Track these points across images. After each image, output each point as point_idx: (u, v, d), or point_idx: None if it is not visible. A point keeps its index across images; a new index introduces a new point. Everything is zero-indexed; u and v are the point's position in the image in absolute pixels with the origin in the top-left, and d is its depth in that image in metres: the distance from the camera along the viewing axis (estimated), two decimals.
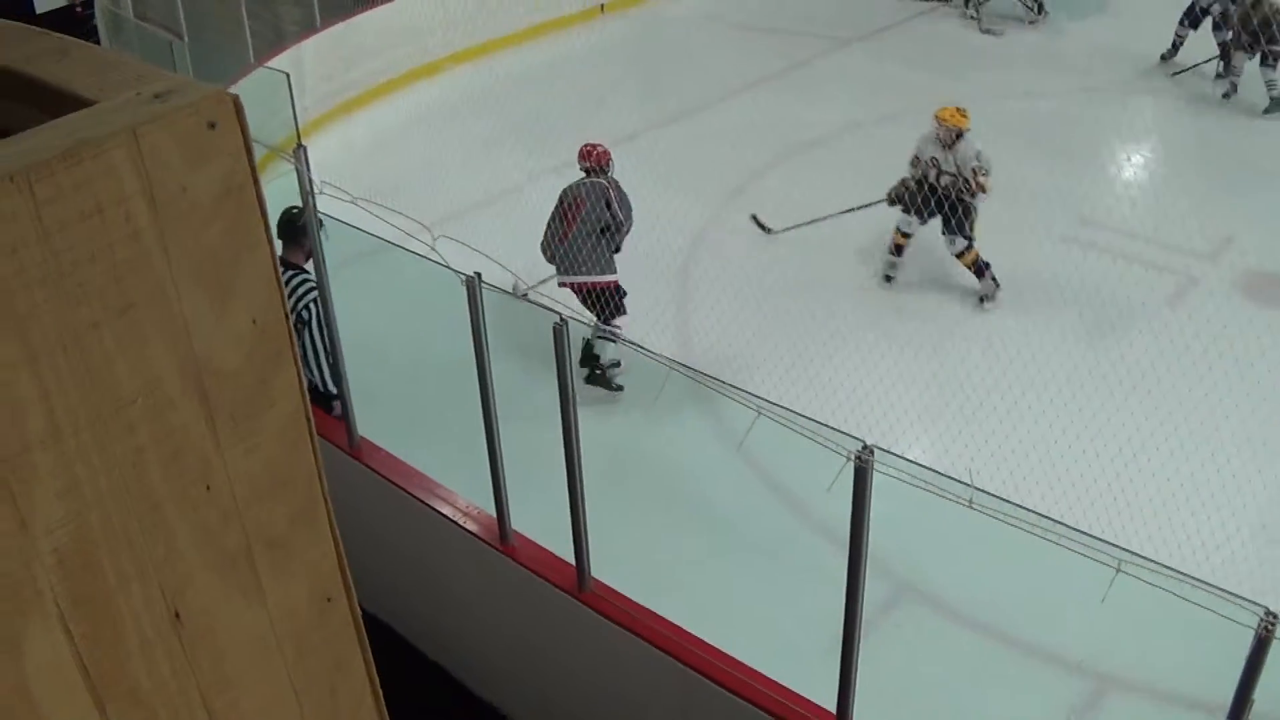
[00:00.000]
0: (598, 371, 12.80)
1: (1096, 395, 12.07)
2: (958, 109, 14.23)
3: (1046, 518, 6.05)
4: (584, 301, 12.59)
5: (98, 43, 17.61)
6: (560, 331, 7.40)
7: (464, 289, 7.94)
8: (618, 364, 12.91)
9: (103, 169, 2.15)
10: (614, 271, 12.78)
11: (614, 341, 12.43)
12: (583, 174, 13.07)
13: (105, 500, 2.30)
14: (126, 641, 2.45)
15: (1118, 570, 5.57)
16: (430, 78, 19.96)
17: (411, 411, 11.45)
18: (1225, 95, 19.81)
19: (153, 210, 2.22)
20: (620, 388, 12.78)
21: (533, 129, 17.51)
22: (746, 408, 6.78)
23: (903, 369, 12.46)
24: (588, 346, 12.67)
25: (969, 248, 14.37)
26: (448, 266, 7.82)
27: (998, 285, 14.47)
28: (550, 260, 12.80)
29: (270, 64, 17.18)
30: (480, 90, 19.24)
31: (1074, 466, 10.67)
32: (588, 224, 12.62)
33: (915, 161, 14.45)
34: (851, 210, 15.38)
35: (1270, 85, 19.14)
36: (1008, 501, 6.06)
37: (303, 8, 19.29)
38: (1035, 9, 22.96)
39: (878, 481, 6.32)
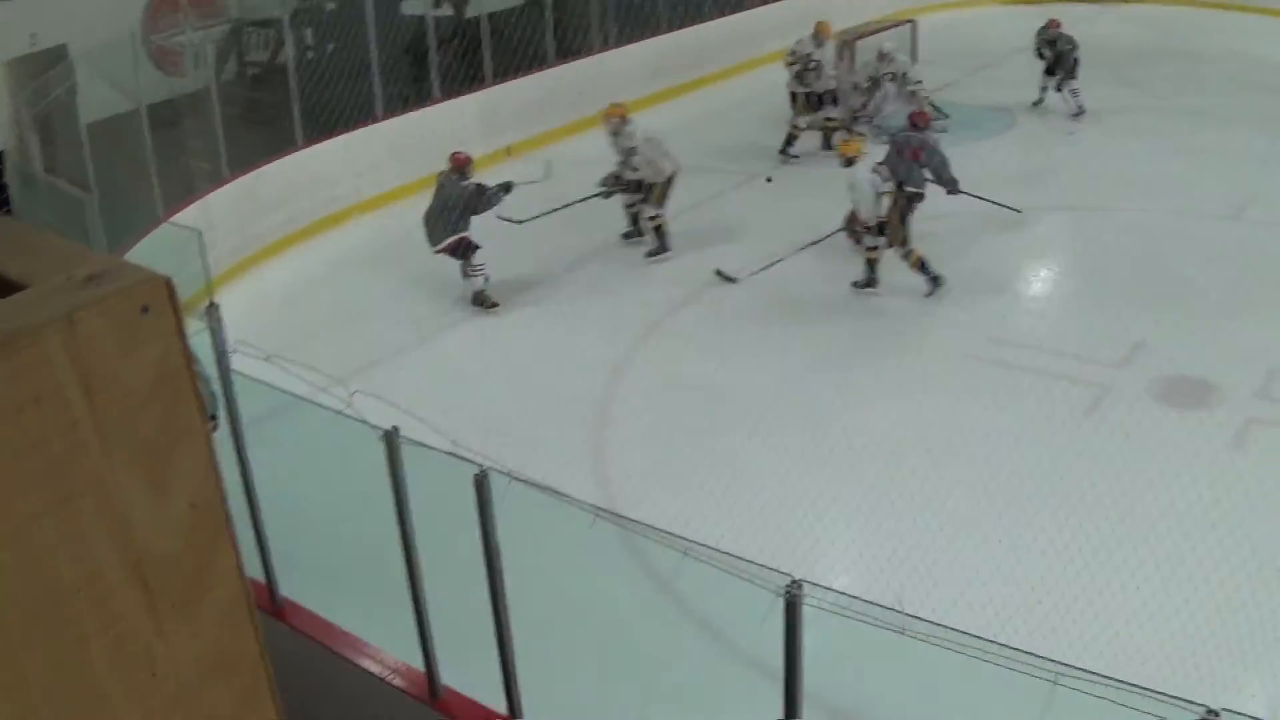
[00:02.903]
0: (479, 304, 17.43)
1: (1018, 508, 12.20)
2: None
3: (978, 637, 6.05)
4: (452, 255, 17.38)
5: (6, 199, 17.54)
6: (482, 482, 7.36)
7: (382, 443, 7.88)
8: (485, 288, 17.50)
9: (39, 358, 2.13)
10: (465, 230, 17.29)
11: (480, 276, 17.41)
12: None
13: (53, 695, 2.26)
14: None
15: (1054, 683, 5.59)
16: (339, 226, 19.99)
17: (334, 569, 11.34)
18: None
19: (89, 399, 2.20)
20: (496, 304, 17.49)
21: (443, 275, 17.57)
22: (672, 550, 6.76)
23: (822, 490, 12.46)
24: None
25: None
26: (364, 422, 7.77)
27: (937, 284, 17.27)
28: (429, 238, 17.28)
29: (179, 216, 17.11)
30: (390, 238, 19.28)
31: (1004, 582, 10.80)
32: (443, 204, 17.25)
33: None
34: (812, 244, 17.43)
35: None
36: (939, 625, 6.07)
37: (210, 159, 19.28)
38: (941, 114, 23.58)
39: (810, 613, 6.32)
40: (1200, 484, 12.25)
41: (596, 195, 18.74)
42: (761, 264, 17.40)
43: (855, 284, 17.62)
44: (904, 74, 23.96)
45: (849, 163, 17.46)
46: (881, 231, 17.28)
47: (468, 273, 17.54)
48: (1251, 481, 12.31)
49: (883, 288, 17.48)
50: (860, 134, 22.58)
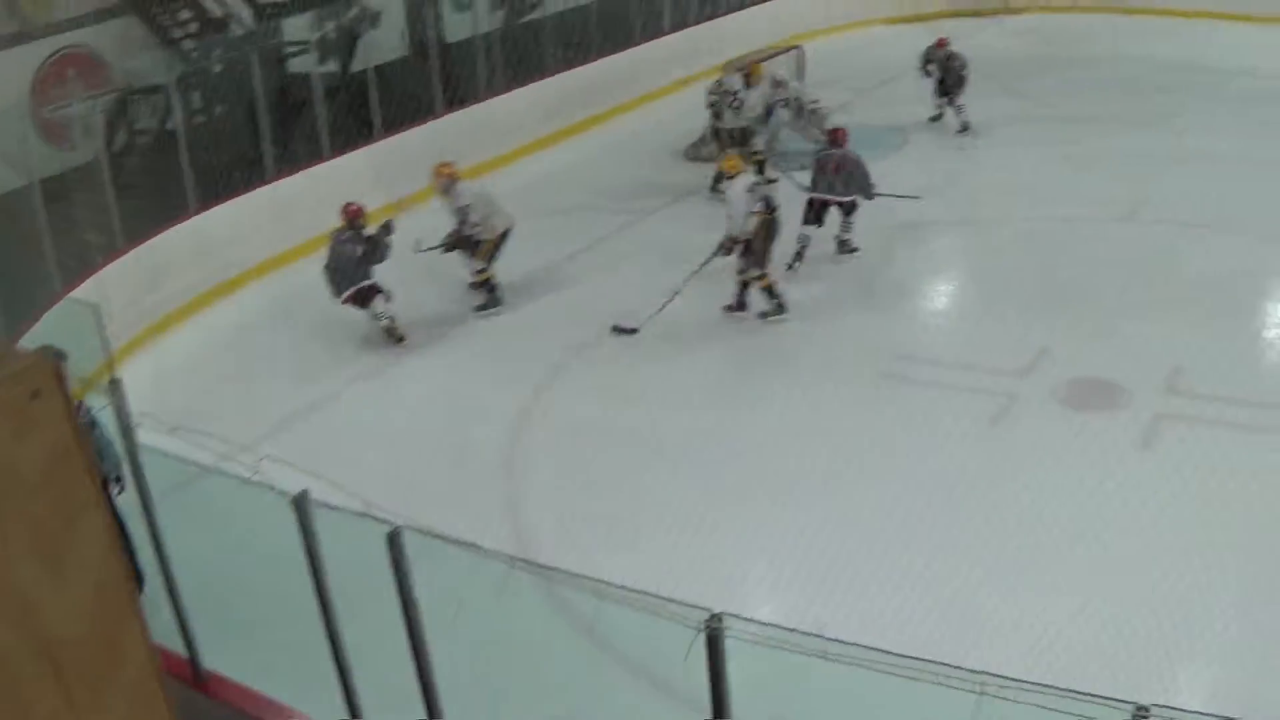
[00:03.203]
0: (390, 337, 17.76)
1: (934, 522, 12.23)
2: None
3: (901, 655, 6.07)
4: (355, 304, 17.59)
5: None
6: (395, 539, 7.33)
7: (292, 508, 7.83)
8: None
9: None
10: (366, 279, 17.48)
11: (385, 320, 17.66)
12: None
13: None
14: None
15: (980, 694, 5.62)
16: (237, 289, 19.85)
17: (257, 636, 11.26)
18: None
19: None
20: (404, 337, 17.80)
21: (339, 334, 17.54)
22: (591, 593, 6.76)
23: (739, 520, 12.50)
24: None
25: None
26: (273, 488, 7.73)
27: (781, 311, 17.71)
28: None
29: (77, 291, 16.98)
30: (288, 297, 19.23)
31: (926, 597, 10.92)
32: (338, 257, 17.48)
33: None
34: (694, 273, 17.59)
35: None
36: (862, 646, 6.09)
37: (104, 231, 19.11)
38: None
39: (733, 644, 6.32)
40: (1112, 484, 12.40)
41: (435, 249, 18.55)
42: (657, 306, 17.37)
43: (762, 315, 17.83)
44: (797, 98, 24.14)
45: (729, 179, 17.91)
46: (746, 250, 17.58)
47: (373, 317, 17.79)
48: (1161, 478, 12.49)
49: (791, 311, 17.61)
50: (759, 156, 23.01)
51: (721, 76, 24.23)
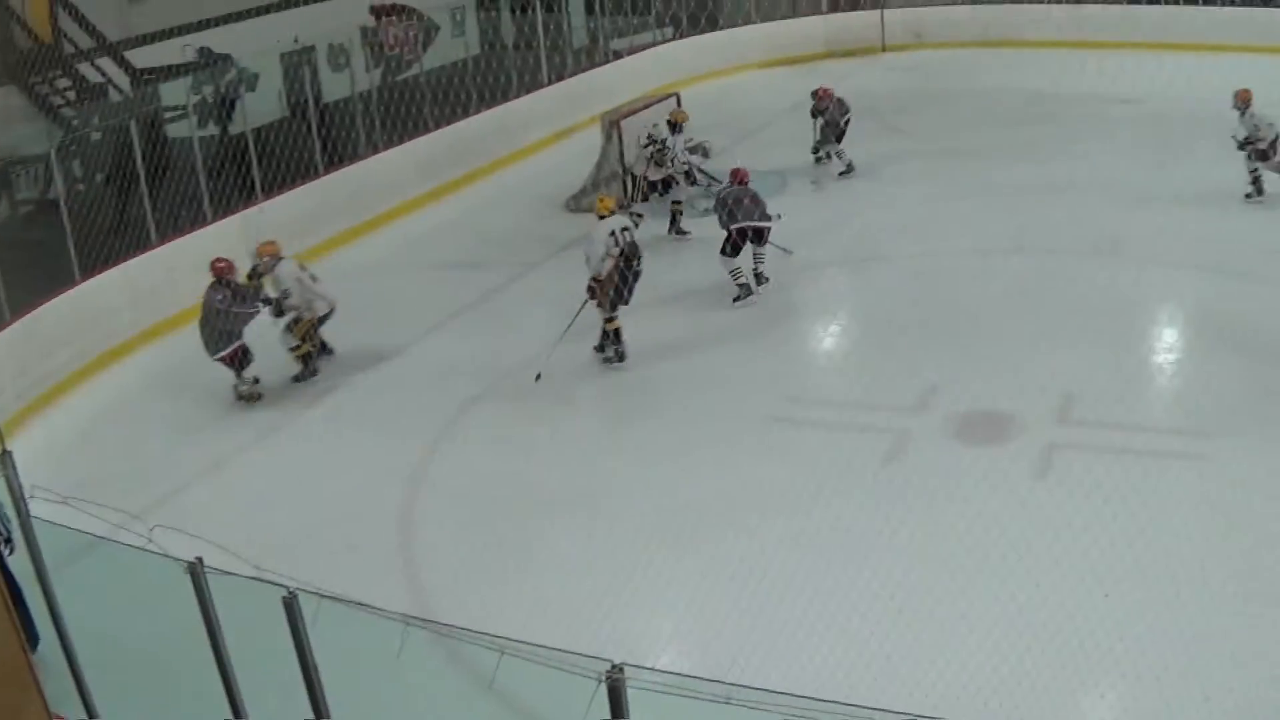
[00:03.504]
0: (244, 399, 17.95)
1: (830, 563, 12.27)
2: None
3: (803, 697, 6.16)
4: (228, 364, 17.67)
5: None
6: (291, 603, 7.37)
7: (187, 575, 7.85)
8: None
9: None
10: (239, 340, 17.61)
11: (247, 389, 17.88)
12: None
13: None
14: None
15: None
16: (125, 356, 19.74)
17: (159, 706, 11.21)
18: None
19: None
20: (260, 396, 17.99)
21: (228, 398, 17.55)
22: (490, 649, 6.81)
23: (637, 569, 12.55)
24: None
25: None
26: (167, 555, 7.75)
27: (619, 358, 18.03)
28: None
29: None
30: (176, 361, 19.13)
31: (828, 637, 10.98)
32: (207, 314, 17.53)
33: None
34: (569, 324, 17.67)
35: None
36: (763, 690, 6.16)
37: None
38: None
39: (636, 694, 6.38)
40: (1008, 515, 12.59)
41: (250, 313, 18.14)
42: (544, 355, 17.47)
43: (605, 358, 18.21)
44: (703, 143, 24.39)
45: (599, 218, 18.25)
46: (593, 294, 17.98)
47: (237, 382, 17.92)
48: (1056, 507, 12.77)
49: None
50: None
51: (651, 131, 24.38)
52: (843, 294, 20.65)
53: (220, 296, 17.45)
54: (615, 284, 17.81)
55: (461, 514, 14.51)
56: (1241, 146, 22.10)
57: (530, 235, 24.17)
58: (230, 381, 17.76)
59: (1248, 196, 22.38)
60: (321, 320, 18.44)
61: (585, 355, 18.04)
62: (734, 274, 19.89)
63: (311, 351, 18.44)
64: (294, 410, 17.64)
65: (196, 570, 7.82)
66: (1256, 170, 22.26)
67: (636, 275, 17.97)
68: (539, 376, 17.47)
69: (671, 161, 23.89)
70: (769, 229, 19.97)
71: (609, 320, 18.00)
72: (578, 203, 24.99)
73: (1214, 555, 11.87)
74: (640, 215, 20.95)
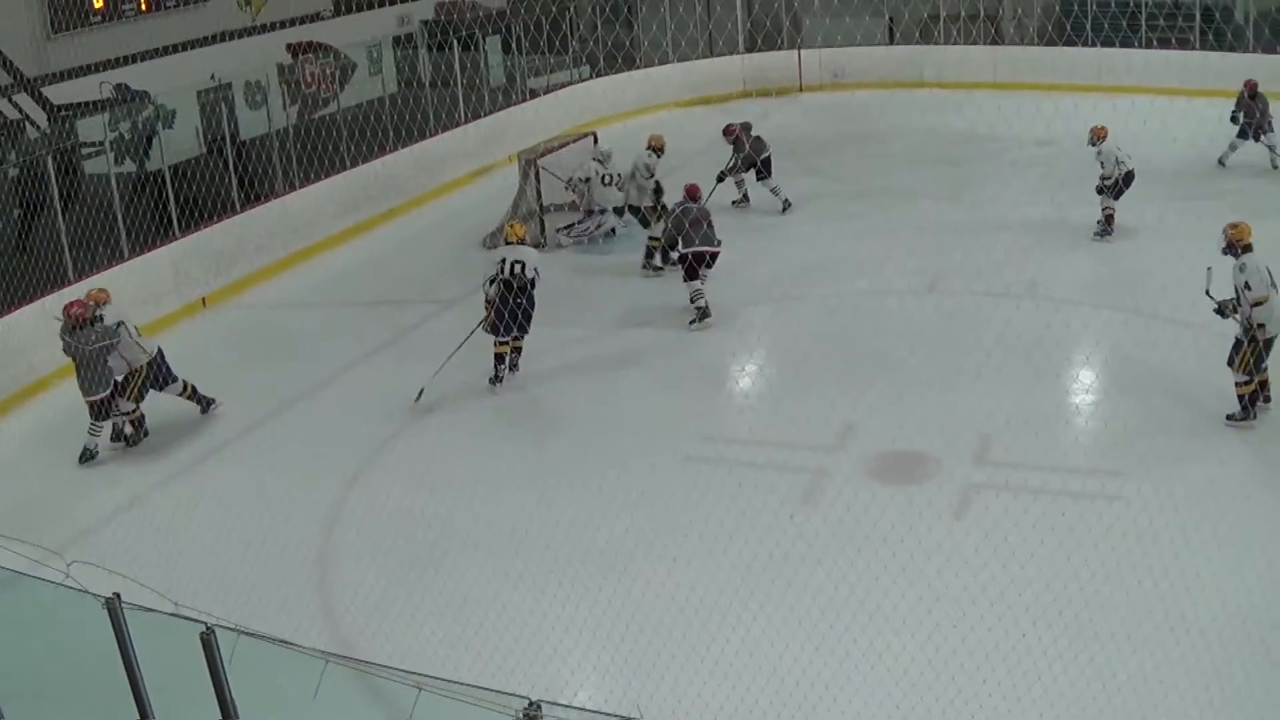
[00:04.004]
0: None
1: (747, 603, 12.37)
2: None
3: None
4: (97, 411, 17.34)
5: None
6: (208, 640, 7.36)
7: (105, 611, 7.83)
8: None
9: None
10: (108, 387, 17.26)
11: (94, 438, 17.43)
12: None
13: None
14: None
15: None
16: (40, 394, 19.61)
17: None
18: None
19: None
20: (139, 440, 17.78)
21: (149, 435, 17.44)
22: (409, 685, 6.83)
23: (554, 608, 12.56)
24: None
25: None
26: (85, 591, 7.72)
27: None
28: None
29: None
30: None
31: (745, 678, 11.11)
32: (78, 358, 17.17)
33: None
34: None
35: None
36: None
37: None
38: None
39: None
40: (924, 555, 12.69)
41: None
42: (433, 373, 17.68)
43: (491, 380, 18.76)
44: (587, 181, 24.68)
45: (506, 244, 18.91)
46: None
47: (114, 420, 17.73)
48: (973, 547, 12.86)
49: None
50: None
51: (645, 160, 24.53)
52: (759, 333, 20.71)
53: (79, 337, 17.05)
54: (497, 308, 18.40)
55: (379, 550, 14.48)
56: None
57: (448, 273, 24.16)
58: (162, 417, 17.79)
59: (1097, 235, 23.22)
60: (146, 375, 17.89)
61: (502, 392, 18.11)
62: (694, 295, 20.29)
63: (142, 416, 18.04)
64: (212, 446, 17.55)
65: (114, 606, 7.81)
66: (1109, 209, 22.99)
67: (522, 309, 18.35)
68: (420, 395, 17.92)
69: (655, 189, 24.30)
70: (717, 254, 20.57)
71: (498, 344, 18.62)
72: (495, 241, 24.97)
73: (1130, 594, 11.97)
74: (660, 269, 22.32)
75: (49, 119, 26.99)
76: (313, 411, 18.51)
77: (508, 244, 18.85)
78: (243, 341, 21.01)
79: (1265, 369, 15.90)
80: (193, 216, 23.41)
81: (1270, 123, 27.16)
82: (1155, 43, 34.81)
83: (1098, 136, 22.85)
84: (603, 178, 25.20)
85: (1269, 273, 15.58)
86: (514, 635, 12.05)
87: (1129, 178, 22.80)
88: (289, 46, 36.06)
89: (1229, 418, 16.00)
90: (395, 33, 37.21)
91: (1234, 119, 27.35)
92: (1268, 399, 16.14)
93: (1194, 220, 19.90)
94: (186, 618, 7.75)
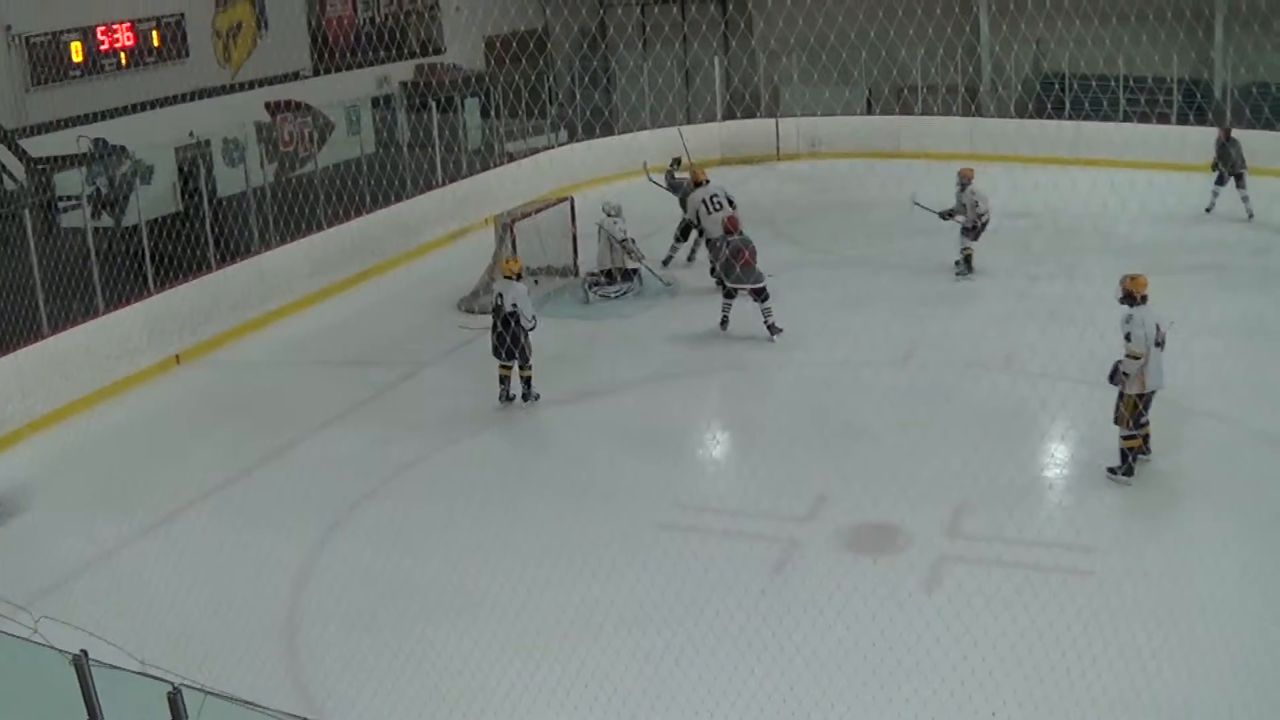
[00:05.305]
0: None
1: (716, 674, 12.25)
2: None
3: None
4: None
5: None
6: (175, 699, 7.31)
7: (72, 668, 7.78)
8: None
9: None
10: None
11: None
12: None
13: None
14: None
15: None
16: (11, 447, 19.54)
17: None
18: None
19: None
20: None
21: (120, 490, 17.36)
22: None
23: (521, 675, 12.49)
24: None
25: None
26: (51, 647, 7.68)
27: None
28: None
29: None
30: (62, 454, 18.96)
31: None
32: None
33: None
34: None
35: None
36: None
37: None
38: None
39: None
40: (895, 629, 12.65)
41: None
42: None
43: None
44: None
45: (513, 277, 19.82)
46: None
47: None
48: (944, 622, 12.83)
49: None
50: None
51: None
52: (733, 401, 20.73)
53: None
54: (498, 333, 19.57)
55: (349, 612, 14.41)
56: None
57: (423, 334, 24.21)
58: (133, 476, 17.53)
59: (958, 275, 24.91)
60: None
61: (476, 453, 18.08)
62: (725, 307, 22.18)
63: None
64: (183, 503, 17.43)
65: (81, 663, 7.76)
66: (968, 249, 24.63)
67: (514, 337, 19.45)
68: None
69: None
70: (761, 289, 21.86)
71: (499, 366, 19.86)
72: (471, 303, 25.06)
73: (1099, 671, 11.94)
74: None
75: (27, 171, 26.94)
76: (285, 470, 18.43)
77: (504, 278, 19.80)
78: (216, 399, 20.98)
79: (1147, 423, 16.38)
80: (168, 273, 23.37)
81: (1244, 173, 28.30)
82: (1134, 117, 35.09)
83: (965, 179, 23.86)
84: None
85: (1157, 329, 16.13)
86: (483, 702, 12.00)
87: (986, 222, 24.78)
88: (268, 105, 36.07)
89: (1110, 470, 16.45)
90: (374, 93, 37.27)
91: (1214, 166, 28.56)
92: (1147, 451, 16.62)
93: (1172, 295, 20.00)
94: (154, 676, 7.70)
